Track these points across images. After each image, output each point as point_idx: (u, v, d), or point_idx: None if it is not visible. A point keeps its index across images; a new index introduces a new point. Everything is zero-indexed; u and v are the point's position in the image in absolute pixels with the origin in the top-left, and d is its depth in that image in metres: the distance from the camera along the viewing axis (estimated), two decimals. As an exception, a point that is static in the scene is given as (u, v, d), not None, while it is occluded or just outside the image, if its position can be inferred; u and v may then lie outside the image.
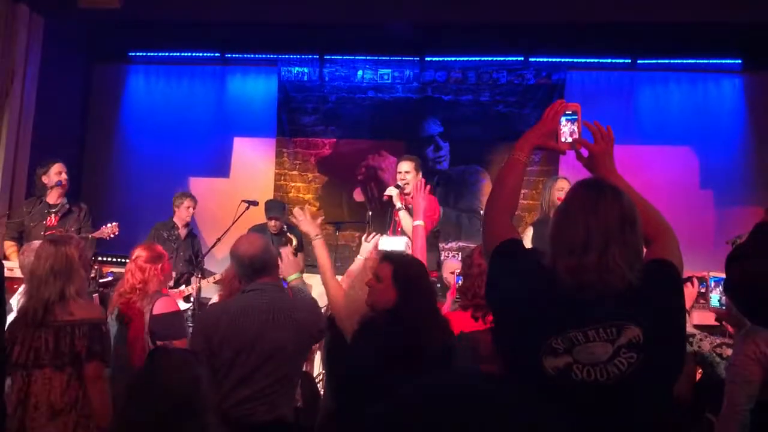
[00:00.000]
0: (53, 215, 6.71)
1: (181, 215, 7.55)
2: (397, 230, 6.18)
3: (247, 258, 3.61)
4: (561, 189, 6.29)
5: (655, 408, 1.97)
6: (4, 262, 5.83)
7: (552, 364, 1.95)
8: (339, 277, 7.73)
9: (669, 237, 2.18)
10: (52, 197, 6.76)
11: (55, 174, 6.75)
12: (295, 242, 7.31)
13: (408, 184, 6.19)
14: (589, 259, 1.97)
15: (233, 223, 7.19)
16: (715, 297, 4.19)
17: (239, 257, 3.63)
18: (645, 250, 2.13)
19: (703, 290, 4.11)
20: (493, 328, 3.18)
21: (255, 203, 7.69)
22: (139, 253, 4.56)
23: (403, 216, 6.02)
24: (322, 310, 4.33)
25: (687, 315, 3.97)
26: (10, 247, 6.62)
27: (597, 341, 1.93)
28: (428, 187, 4.92)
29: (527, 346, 2.01)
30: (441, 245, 8.52)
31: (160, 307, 4.30)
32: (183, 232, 7.50)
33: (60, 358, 3.62)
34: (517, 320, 2.08)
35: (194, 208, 7.71)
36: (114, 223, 6.73)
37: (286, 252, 4.20)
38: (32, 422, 3.57)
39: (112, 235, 6.72)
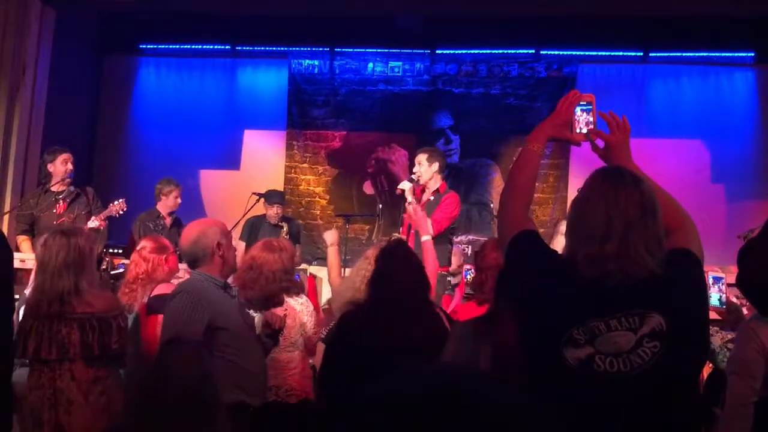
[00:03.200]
0: (61, 202, 6.67)
1: (168, 204, 7.31)
2: (411, 232, 6.12)
3: (180, 250, 3.74)
4: None
5: (679, 398, 1.95)
6: (15, 254, 5.90)
7: (573, 356, 1.92)
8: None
9: (689, 227, 2.16)
10: (57, 185, 6.72)
11: (61, 163, 6.69)
12: (285, 229, 7.34)
13: (420, 177, 6.11)
14: (609, 247, 1.94)
15: (243, 216, 7.20)
16: (715, 296, 4.16)
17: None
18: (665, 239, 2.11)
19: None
20: (487, 314, 3.20)
21: (264, 194, 7.69)
22: (144, 244, 4.59)
23: (412, 211, 5.97)
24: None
25: None
26: (23, 241, 6.62)
27: (619, 331, 1.90)
28: (417, 206, 4.98)
29: (547, 337, 1.99)
30: (451, 239, 8.51)
31: (159, 289, 4.30)
32: (168, 221, 7.39)
33: (89, 350, 3.56)
34: (536, 312, 2.05)
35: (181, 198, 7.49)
36: (121, 200, 6.65)
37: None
38: (68, 417, 3.52)
39: (121, 212, 6.63)
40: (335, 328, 3.51)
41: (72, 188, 6.77)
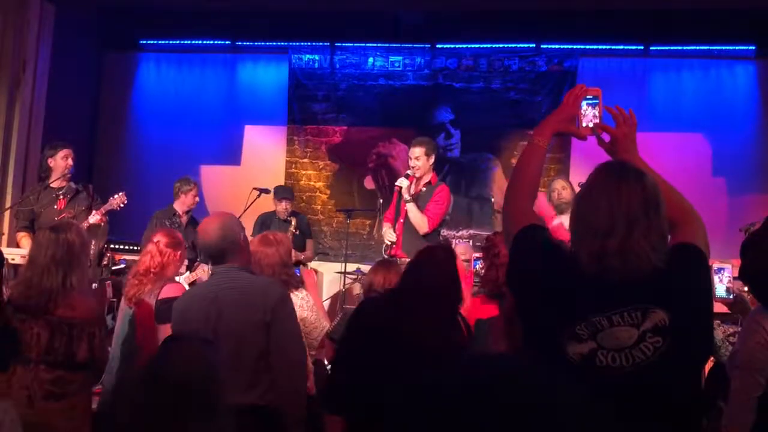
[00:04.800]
0: (61, 198, 6.65)
1: (187, 202, 7.35)
2: (399, 221, 6.14)
3: (203, 247, 3.60)
4: (554, 189, 6.42)
5: (682, 393, 1.94)
6: (16, 250, 5.90)
7: (576, 351, 1.92)
8: (354, 266, 7.80)
9: (694, 221, 2.15)
10: (57, 182, 6.69)
11: (62, 158, 6.65)
12: (294, 223, 7.37)
13: (418, 171, 6.08)
14: (612, 242, 1.94)
15: (245, 211, 7.20)
16: (721, 287, 4.15)
17: (198, 245, 3.63)
18: (670, 234, 2.10)
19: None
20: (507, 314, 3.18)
21: (267, 191, 7.70)
22: (161, 237, 4.54)
23: (411, 208, 5.95)
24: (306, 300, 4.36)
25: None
26: (23, 237, 6.61)
27: (622, 326, 1.90)
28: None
29: (550, 332, 1.99)
30: (452, 233, 8.52)
31: (167, 291, 4.24)
32: (184, 219, 7.40)
33: (53, 354, 3.48)
34: (539, 307, 2.05)
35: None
36: (121, 193, 6.63)
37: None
38: (36, 416, 3.45)
39: (121, 205, 6.61)
40: (354, 311, 3.52)
41: (72, 184, 6.75)
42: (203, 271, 5.87)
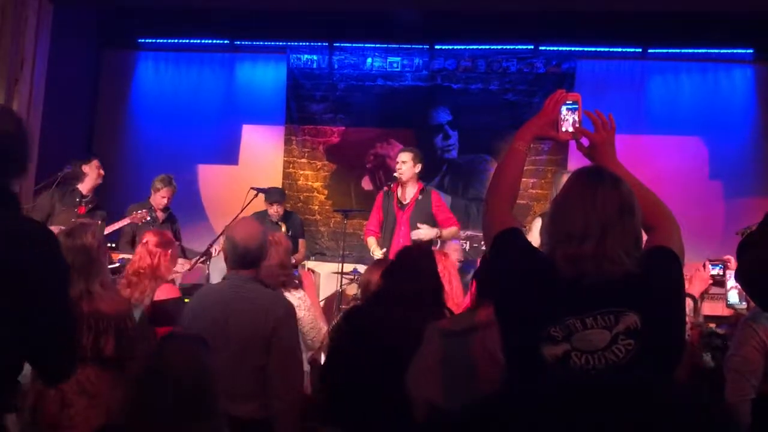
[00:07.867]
0: (84, 204, 6.80)
1: (155, 201, 7.33)
2: (401, 229, 6.24)
3: (241, 249, 3.51)
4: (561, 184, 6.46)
5: (654, 395, 1.97)
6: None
7: (551, 352, 1.95)
8: (351, 266, 7.81)
9: (669, 224, 2.18)
10: (86, 188, 6.88)
11: (96, 167, 6.94)
12: (284, 229, 7.40)
13: (403, 173, 6.32)
14: (587, 247, 1.98)
15: (242, 211, 7.19)
16: (734, 292, 4.15)
17: (234, 244, 3.51)
18: (645, 237, 2.13)
19: (720, 272, 4.06)
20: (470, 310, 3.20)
21: (264, 191, 7.70)
22: (150, 237, 4.52)
23: (444, 234, 6.29)
24: (304, 305, 4.34)
25: (698, 302, 3.97)
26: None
27: (595, 329, 1.94)
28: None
29: (526, 334, 2.02)
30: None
31: (161, 293, 4.23)
32: (161, 215, 7.37)
33: (80, 351, 3.35)
34: (516, 309, 2.09)
35: (169, 199, 7.39)
36: (144, 210, 6.96)
37: None
38: (44, 411, 3.42)
39: (144, 220, 6.90)
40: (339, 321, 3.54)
41: (95, 197, 6.98)
42: (181, 266, 5.89)
